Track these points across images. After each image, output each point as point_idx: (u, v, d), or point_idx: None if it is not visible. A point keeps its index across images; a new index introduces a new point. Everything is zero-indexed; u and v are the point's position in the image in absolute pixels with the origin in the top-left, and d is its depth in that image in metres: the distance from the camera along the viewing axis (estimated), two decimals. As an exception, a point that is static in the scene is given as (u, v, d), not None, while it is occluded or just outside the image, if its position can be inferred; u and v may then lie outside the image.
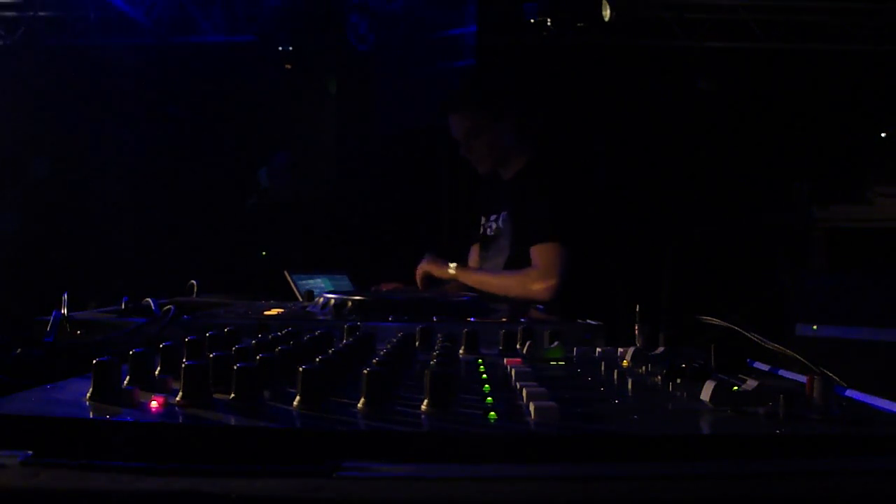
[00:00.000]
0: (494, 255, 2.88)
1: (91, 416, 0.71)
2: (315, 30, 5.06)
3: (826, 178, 5.14)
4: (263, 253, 2.59)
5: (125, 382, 0.81)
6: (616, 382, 0.96)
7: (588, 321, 1.51)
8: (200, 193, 5.30)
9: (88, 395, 0.76)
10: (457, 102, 2.92)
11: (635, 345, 1.21)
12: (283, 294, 2.64)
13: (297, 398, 0.75)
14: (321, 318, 1.53)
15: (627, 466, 0.65)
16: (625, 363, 1.11)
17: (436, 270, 2.81)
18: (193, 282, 2.20)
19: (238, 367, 0.76)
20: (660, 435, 0.70)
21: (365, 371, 0.76)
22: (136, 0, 5.27)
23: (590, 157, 4.98)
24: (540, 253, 2.62)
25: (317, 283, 2.87)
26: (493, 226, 2.91)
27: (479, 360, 1.09)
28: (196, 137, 5.36)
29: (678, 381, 0.92)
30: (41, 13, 5.48)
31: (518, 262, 2.72)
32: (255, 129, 5.37)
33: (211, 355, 0.84)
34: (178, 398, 0.75)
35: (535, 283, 2.57)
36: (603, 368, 1.07)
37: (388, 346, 1.03)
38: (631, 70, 5.17)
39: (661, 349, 1.16)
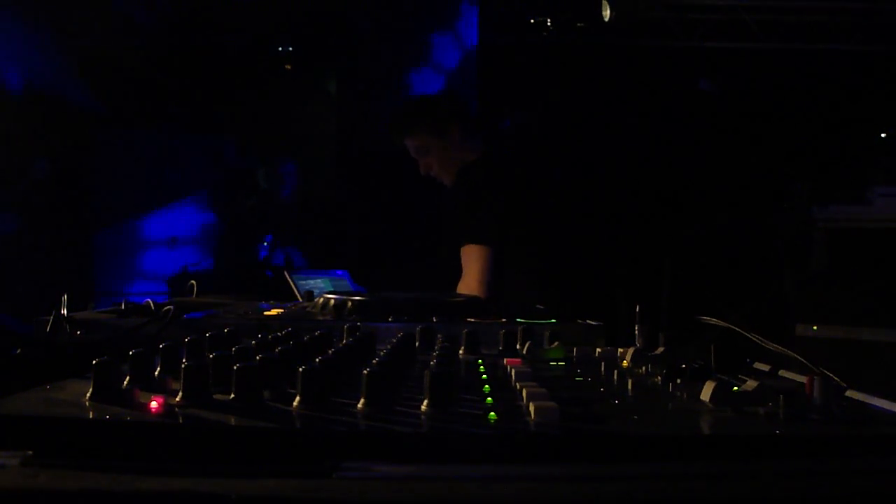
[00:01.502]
0: None
1: (91, 416, 0.71)
2: (315, 30, 5.06)
3: (826, 178, 5.14)
4: (265, 258, 2.60)
5: (125, 382, 0.81)
6: (616, 382, 0.96)
7: (588, 321, 1.51)
8: (201, 193, 5.30)
9: (88, 395, 0.76)
10: (399, 129, 2.88)
11: (635, 345, 1.21)
12: (283, 294, 2.64)
13: (297, 398, 0.75)
14: (321, 318, 1.53)
15: (627, 466, 0.65)
16: (625, 363, 1.11)
17: None
18: (193, 282, 2.20)
19: (238, 367, 0.76)
20: (660, 435, 0.70)
21: (365, 371, 0.76)
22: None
23: (586, 157, 4.97)
24: (464, 255, 2.52)
25: (317, 283, 2.87)
26: None
27: (479, 361, 1.09)
28: (196, 137, 5.36)
29: (678, 381, 0.92)
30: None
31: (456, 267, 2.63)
32: (255, 129, 5.37)
33: (211, 355, 0.84)
34: (178, 398, 0.75)
35: (461, 282, 2.48)
36: (603, 368, 1.07)
37: (388, 346, 1.03)
38: (631, 70, 5.17)
39: (661, 349, 1.16)
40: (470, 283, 2.48)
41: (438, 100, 3.01)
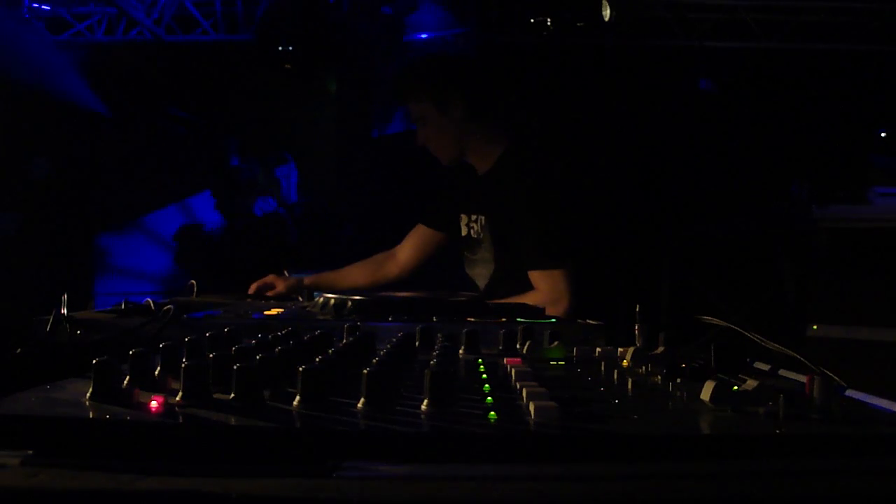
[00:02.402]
0: (478, 262, 2.69)
1: (91, 416, 0.71)
2: (315, 30, 5.06)
3: (826, 178, 5.14)
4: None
5: (125, 382, 0.81)
6: (616, 382, 0.96)
7: (588, 321, 1.51)
8: (200, 193, 5.30)
9: (88, 395, 0.76)
10: (399, 90, 2.71)
11: (635, 345, 1.21)
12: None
13: (297, 398, 0.75)
14: (321, 317, 1.53)
15: (627, 466, 0.65)
16: (625, 363, 1.11)
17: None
18: (193, 282, 2.20)
19: (238, 367, 0.76)
20: (660, 435, 0.70)
21: (365, 371, 0.76)
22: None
23: (586, 157, 4.98)
24: (545, 280, 2.41)
25: (317, 283, 2.86)
26: (475, 227, 2.69)
27: (479, 360, 1.09)
28: (196, 137, 5.36)
29: (678, 381, 0.92)
30: (44, 7, 5.48)
31: (506, 278, 2.53)
32: (255, 129, 5.37)
33: (211, 355, 0.84)
34: (178, 398, 0.75)
35: (547, 307, 2.29)
36: (603, 368, 1.07)
37: (388, 346, 1.03)
38: (631, 70, 5.17)
39: (661, 349, 1.16)
40: (557, 304, 2.34)
41: (444, 66, 2.73)
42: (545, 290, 2.41)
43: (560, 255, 2.43)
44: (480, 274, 2.70)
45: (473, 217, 2.71)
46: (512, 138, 2.66)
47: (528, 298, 2.36)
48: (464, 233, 2.76)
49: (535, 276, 2.44)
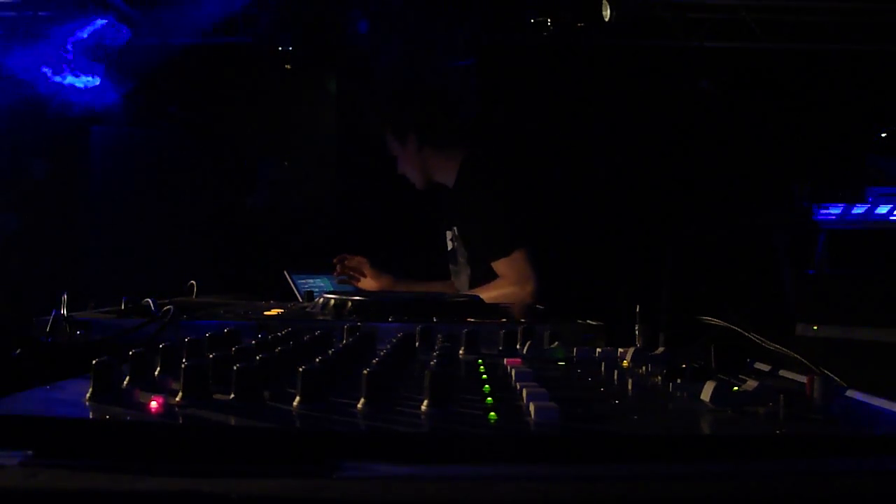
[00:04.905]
0: (459, 272, 2.84)
1: (91, 416, 0.71)
2: (315, 30, 5.06)
3: (826, 178, 5.14)
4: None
5: (125, 382, 0.81)
6: (616, 382, 0.96)
7: (588, 321, 1.51)
8: (200, 193, 5.30)
9: (88, 395, 0.76)
10: (372, 126, 2.96)
11: (635, 345, 1.21)
12: (283, 294, 2.64)
13: (297, 398, 0.75)
14: (321, 318, 1.53)
15: (627, 466, 0.65)
16: (625, 363, 1.11)
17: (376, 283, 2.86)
18: (193, 282, 2.20)
19: (238, 368, 0.76)
20: (660, 435, 0.70)
21: (365, 371, 0.76)
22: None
23: (588, 157, 4.98)
24: (506, 265, 2.54)
25: (317, 283, 2.87)
26: (456, 240, 2.85)
27: (479, 361, 1.09)
28: (196, 137, 5.36)
29: (678, 381, 0.92)
30: (41, 13, 5.47)
31: (482, 280, 2.63)
32: (254, 130, 5.37)
33: (211, 355, 0.84)
34: (178, 398, 0.75)
35: (514, 292, 2.47)
36: (603, 368, 1.07)
37: (388, 346, 1.03)
38: (631, 70, 5.17)
39: (661, 349, 1.16)
40: (522, 287, 2.47)
41: (396, 103, 3.01)
42: (510, 275, 2.52)
43: (514, 239, 2.54)
44: (462, 283, 2.81)
45: (454, 231, 2.86)
46: (467, 149, 2.81)
47: (496, 285, 2.52)
48: (449, 248, 2.92)
49: (497, 265, 2.56)
